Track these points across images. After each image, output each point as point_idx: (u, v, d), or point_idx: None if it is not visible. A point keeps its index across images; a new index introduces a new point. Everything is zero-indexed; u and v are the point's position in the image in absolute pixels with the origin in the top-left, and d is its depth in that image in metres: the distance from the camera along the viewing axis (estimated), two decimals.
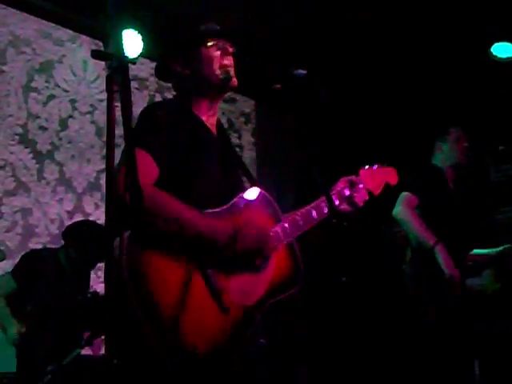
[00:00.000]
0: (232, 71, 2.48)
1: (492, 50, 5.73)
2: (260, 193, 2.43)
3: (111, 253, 1.86)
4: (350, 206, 2.66)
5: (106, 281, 2.08)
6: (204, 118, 2.49)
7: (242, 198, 2.37)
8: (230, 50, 2.49)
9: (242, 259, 2.23)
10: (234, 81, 2.49)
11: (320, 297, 5.26)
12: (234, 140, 6.41)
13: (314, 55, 5.65)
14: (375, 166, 2.85)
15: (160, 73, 2.63)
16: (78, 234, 4.37)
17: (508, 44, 5.73)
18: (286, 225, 2.42)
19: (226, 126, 6.27)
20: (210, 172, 2.37)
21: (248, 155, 6.54)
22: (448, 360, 3.91)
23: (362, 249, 5.63)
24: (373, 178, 2.80)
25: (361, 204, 2.66)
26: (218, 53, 2.47)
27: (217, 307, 2.13)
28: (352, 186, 2.69)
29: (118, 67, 1.68)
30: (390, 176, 2.91)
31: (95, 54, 1.71)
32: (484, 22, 5.41)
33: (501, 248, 4.31)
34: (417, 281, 4.08)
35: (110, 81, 1.71)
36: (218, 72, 2.45)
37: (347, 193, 2.66)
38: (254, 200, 2.39)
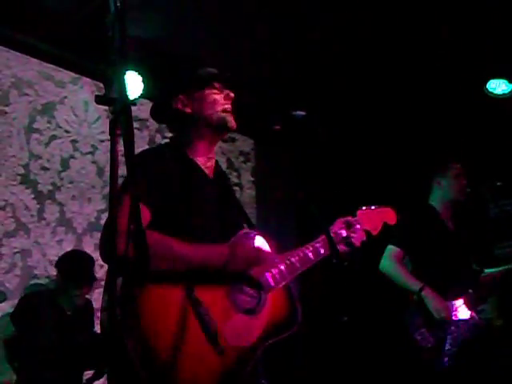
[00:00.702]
0: (232, 117, 2.53)
1: (488, 86, 5.80)
2: (256, 236, 2.43)
3: (113, 295, 1.85)
4: (347, 246, 2.68)
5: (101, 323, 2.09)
6: (200, 162, 2.52)
7: (237, 239, 2.38)
8: (231, 95, 2.55)
9: (238, 278, 2.28)
10: (234, 124, 2.54)
11: (321, 336, 5.24)
12: (234, 179, 6.43)
13: (312, 96, 5.72)
14: (373, 207, 2.89)
15: (157, 112, 2.66)
16: (65, 258, 4.43)
17: (503, 80, 5.80)
18: (283, 267, 2.43)
19: (225, 165, 6.32)
20: (203, 215, 2.40)
21: (247, 194, 6.56)
22: None
23: (363, 288, 5.62)
24: (370, 218, 2.84)
25: (358, 244, 2.69)
26: (221, 96, 2.53)
27: (212, 349, 2.14)
28: (349, 226, 2.73)
29: (121, 111, 1.70)
30: (389, 216, 2.95)
31: (99, 100, 1.73)
32: (480, 59, 5.48)
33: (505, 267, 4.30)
34: (416, 327, 4.07)
35: (113, 125, 1.71)
36: (219, 114, 2.50)
37: (344, 234, 2.70)
38: (250, 243, 2.39)
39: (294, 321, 2.39)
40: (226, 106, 2.53)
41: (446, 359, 3.89)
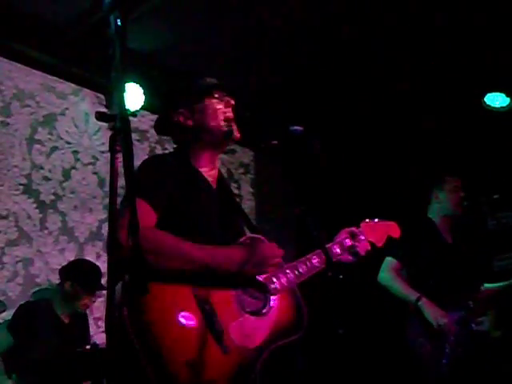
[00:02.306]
0: (234, 124, 2.55)
1: (485, 99, 5.84)
2: (265, 240, 2.47)
3: (113, 299, 1.88)
4: (352, 255, 2.73)
5: (107, 329, 2.10)
6: (203, 171, 2.54)
7: (248, 243, 2.41)
8: (232, 102, 2.57)
9: (246, 281, 2.31)
10: (237, 134, 2.56)
11: (317, 349, 5.25)
12: (234, 190, 6.46)
13: (310, 111, 5.76)
14: (376, 220, 2.95)
15: (160, 126, 2.68)
16: (74, 266, 4.51)
17: (501, 94, 5.83)
18: (289, 271, 2.48)
19: (225, 176, 6.33)
20: (206, 224, 2.42)
21: (247, 205, 6.58)
22: None
23: (362, 298, 5.64)
24: (374, 230, 2.89)
25: (363, 253, 2.74)
26: (222, 105, 2.54)
27: (218, 349, 2.15)
28: (353, 236, 2.77)
29: (121, 129, 1.74)
30: (392, 230, 3.01)
31: (99, 116, 1.76)
32: (478, 73, 5.52)
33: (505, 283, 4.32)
34: (415, 336, 4.10)
35: (113, 141, 1.75)
36: (222, 124, 2.52)
37: (349, 243, 2.74)
38: (261, 246, 2.42)
39: (300, 325, 2.42)
40: (228, 114, 2.54)
41: (445, 369, 3.91)
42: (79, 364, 4.11)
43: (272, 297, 2.39)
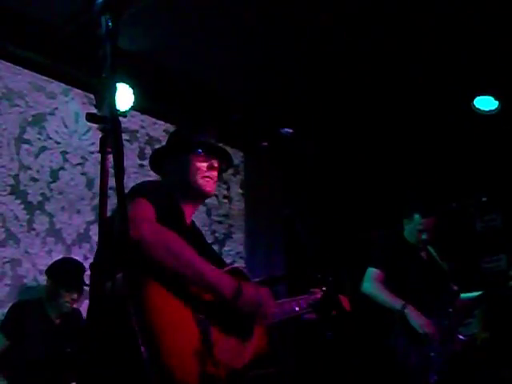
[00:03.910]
0: (213, 185, 2.63)
1: (475, 102, 5.88)
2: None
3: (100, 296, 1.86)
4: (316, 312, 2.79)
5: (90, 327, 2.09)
6: (184, 209, 2.61)
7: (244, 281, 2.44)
8: (216, 165, 2.63)
9: (241, 315, 2.34)
10: (211, 190, 2.64)
11: (306, 352, 5.25)
12: (223, 191, 6.45)
13: (301, 114, 5.76)
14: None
15: (152, 161, 2.78)
16: (55, 264, 4.49)
17: (490, 97, 5.87)
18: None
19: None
20: None
21: (236, 207, 6.57)
22: None
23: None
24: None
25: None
26: (205, 165, 2.61)
27: (210, 360, 2.20)
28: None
29: (111, 130, 1.73)
30: (345, 304, 3.02)
31: (90, 118, 1.76)
32: (467, 76, 5.55)
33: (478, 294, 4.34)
34: (402, 347, 4.11)
35: (103, 142, 1.75)
36: (199, 182, 2.59)
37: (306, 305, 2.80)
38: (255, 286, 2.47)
39: (274, 362, 2.60)
40: (209, 175, 2.61)
41: (434, 376, 3.93)
42: (68, 365, 4.10)
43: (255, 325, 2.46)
